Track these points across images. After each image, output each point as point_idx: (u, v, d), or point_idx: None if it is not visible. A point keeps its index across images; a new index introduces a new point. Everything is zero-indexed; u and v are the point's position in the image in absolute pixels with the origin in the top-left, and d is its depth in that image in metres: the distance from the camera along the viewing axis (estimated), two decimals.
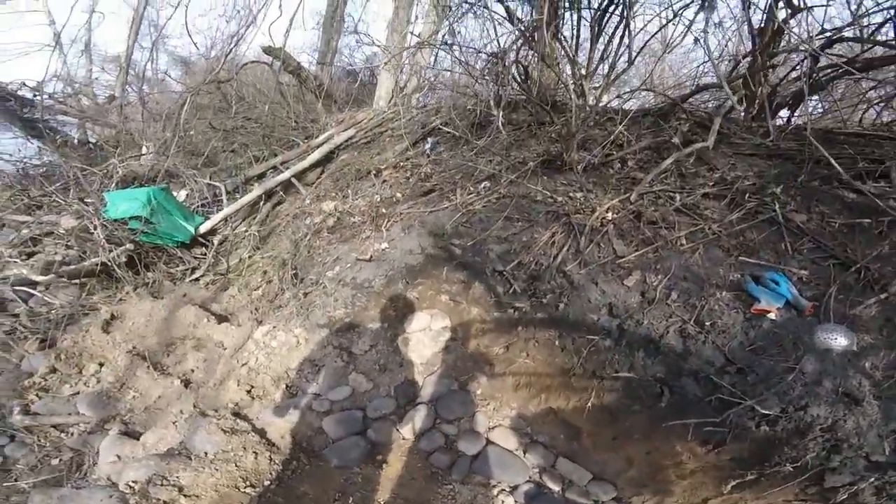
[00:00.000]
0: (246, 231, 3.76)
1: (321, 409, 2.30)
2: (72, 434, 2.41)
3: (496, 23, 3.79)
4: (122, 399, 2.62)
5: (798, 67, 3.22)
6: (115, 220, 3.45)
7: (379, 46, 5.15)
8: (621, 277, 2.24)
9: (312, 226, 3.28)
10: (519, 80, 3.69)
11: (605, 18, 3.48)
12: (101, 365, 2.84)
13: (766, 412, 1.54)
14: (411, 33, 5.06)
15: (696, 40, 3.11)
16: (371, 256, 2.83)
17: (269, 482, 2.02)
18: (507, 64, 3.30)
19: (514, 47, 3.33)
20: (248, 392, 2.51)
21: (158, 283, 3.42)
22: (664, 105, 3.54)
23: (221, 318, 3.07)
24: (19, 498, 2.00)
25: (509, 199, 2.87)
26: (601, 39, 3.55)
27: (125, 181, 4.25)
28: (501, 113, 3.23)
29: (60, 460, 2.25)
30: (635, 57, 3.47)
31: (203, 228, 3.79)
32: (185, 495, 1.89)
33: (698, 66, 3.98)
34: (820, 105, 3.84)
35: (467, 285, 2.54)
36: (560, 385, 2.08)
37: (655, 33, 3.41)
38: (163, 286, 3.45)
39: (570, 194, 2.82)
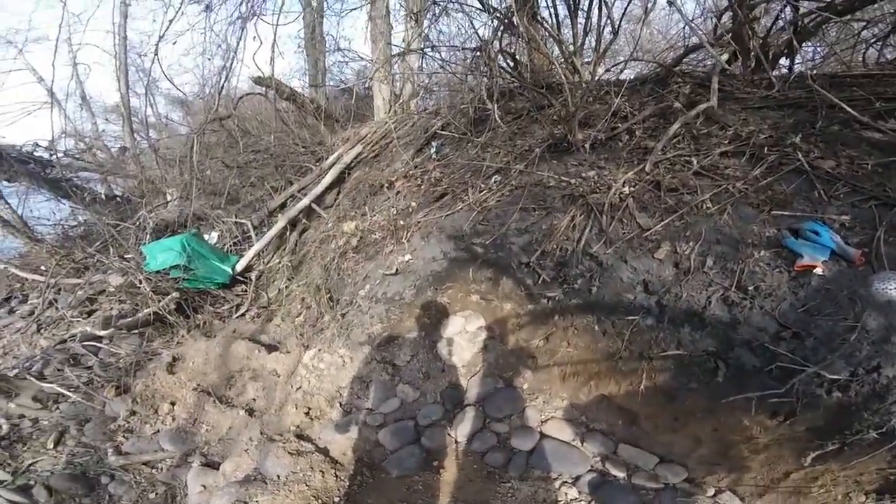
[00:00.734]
0: (279, 262, 3.71)
1: (375, 422, 2.25)
2: (161, 469, 2.49)
3: (471, 17, 3.58)
4: (197, 433, 2.67)
5: (781, 16, 2.98)
6: (157, 272, 3.45)
7: (365, 59, 4.96)
8: (651, 251, 2.06)
9: (338, 248, 3.19)
10: (508, 68, 3.48)
11: None
12: (173, 404, 2.88)
13: (835, 377, 1.36)
14: (390, 43, 4.84)
15: (670, 3, 2.85)
16: (397, 270, 2.72)
17: (338, 498, 2.00)
18: (492, 55, 3.09)
19: (496, 36, 3.13)
20: (307, 414, 2.48)
21: (209, 324, 3.43)
22: (659, 70, 3.28)
23: (271, 348, 3.06)
24: None
25: (522, 189, 2.70)
26: (580, 14, 3.30)
27: (157, 230, 4.25)
28: (496, 105, 3.04)
29: (156, 494, 2.35)
30: (618, 26, 3.22)
31: (239, 267, 3.76)
32: None
33: (684, 27, 3.66)
34: (818, 50, 3.52)
35: (495, 282, 2.41)
36: (608, 370, 1.93)
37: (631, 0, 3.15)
38: (213, 325, 3.46)
39: (583, 174, 2.62)
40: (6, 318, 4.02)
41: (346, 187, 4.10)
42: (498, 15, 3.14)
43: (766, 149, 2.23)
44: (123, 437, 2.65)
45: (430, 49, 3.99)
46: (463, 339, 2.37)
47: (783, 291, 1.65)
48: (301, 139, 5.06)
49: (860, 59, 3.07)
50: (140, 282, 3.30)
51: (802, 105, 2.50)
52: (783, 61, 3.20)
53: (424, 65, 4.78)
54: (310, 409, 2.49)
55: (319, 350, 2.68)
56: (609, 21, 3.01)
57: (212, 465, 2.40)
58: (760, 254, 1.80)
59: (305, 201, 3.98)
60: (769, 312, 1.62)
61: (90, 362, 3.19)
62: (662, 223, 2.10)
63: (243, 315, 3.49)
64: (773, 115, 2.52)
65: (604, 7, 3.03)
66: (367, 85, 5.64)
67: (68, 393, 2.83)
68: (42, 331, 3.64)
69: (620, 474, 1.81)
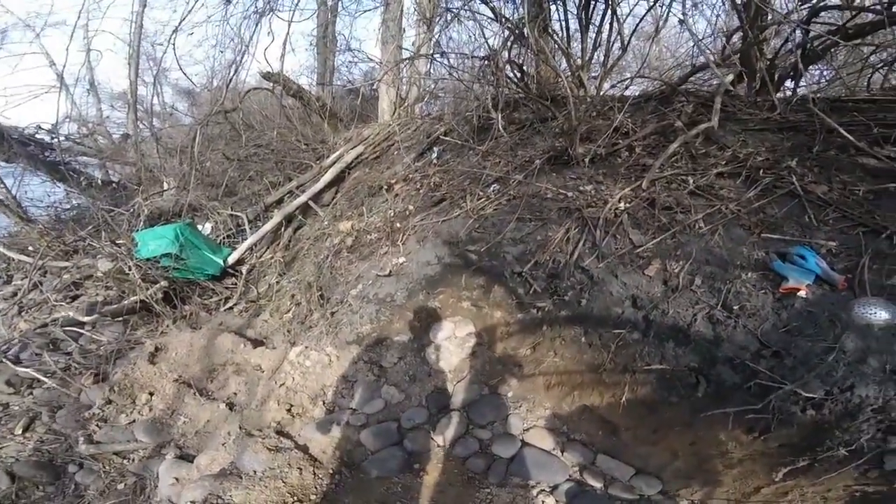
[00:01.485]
0: (271, 258, 3.78)
1: (358, 422, 2.28)
2: (132, 460, 2.48)
3: (483, 26, 3.71)
4: (174, 425, 2.68)
5: (790, 39, 3.05)
6: (148, 259, 3.50)
7: (374, 61, 5.11)
8: (641, 267, 2.15)
9: (332, 247, 3.27)
10: (515, 79, 3.60)
11: (591, 7, 3.36)
12: (152, 394, 2.89)
13: (810, 395, 1.44)
14: (401, 47, 5.00)
15: (681, 22, 2.98)
16: (390, 271, 2.80)
17: (314, 496, 2.02)
18: (500, 65, 3.21)
19: (506, 46, 3.25)
20: (289, 411, 2.51)
21: (195, 315, 3.47)
22: (664, 88, 3.40)
23: (257, 343, 3.09)
24: None
25: (519, 199, 2.79)
26: (591, 28, 3.43)
27: (151, 218, 4.32)
28: (501, 115, 3.15)
29: (125, 485, 2.33)
30: (628, 42, 3.34)
31: (231, 259, 3.82)
32: None
33: (693, 46, 3.80)
34: (824, 73, 3.63)
35: (487, 290, 2.48)
36: (592, 382, 2.00)
37: (643, 16, 3.28)
38: (199, 317, 3.50)
39: (580, 188, 2.72)
40: None
41: (345, 187, 4.20)
42: (509, 25, 3.25)
43: (761, 171, 2.34)
44: (97, 425, 2.64)
45: (439, 55, 4.12)
46: (452, 344, 2.44)
47: (766, 312, 1.73)
48: (304, 136, 5.17)
49: (865, 83, 3.16)
50: (129, 268, 3.36)
51: (802, 128, 2.60)
52: (788, 83, 3.30)
53: (432, 70, 4.93)
54: (292, 405, 2.52)
55: (306, 347, 2.73)
56: (619, 37, 3.12)
57: (186, 458, 2.39)
58: (748, 275, 1.88)
59: (303, 198, 4.07)
60: (752, 331, 1.70)
61: (70, 348, 3.20)
62: (654, 241, 2.19)
63: (231, 308, 3.54)
64: (772, 137, 2.64)
65: (615, 23, 3.15)
66: (373, 86, 5.80)
67: (44, 378, 2.83)
68: (23, 313, 3.65)
69: (598, 484, 1.86)
